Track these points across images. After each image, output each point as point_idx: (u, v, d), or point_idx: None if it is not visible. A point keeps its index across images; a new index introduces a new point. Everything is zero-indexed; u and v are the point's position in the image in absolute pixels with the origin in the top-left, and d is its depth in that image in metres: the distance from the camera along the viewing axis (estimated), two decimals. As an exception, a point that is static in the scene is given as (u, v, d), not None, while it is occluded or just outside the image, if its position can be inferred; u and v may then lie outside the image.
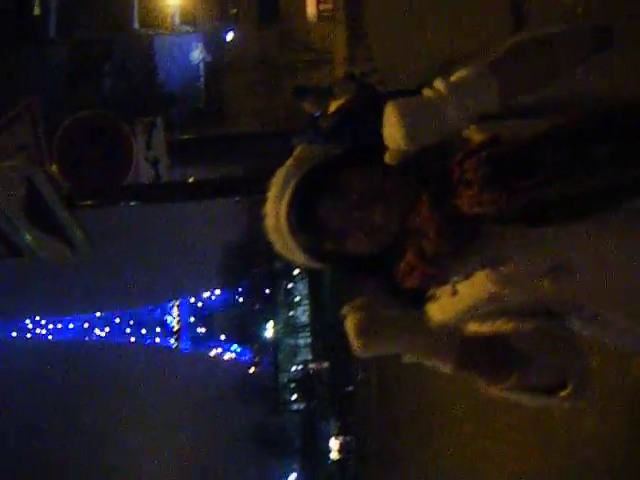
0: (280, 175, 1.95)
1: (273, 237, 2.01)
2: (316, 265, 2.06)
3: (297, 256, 2.01)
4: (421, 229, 1.78)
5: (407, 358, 1.93)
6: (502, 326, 1.91)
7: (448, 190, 1.73)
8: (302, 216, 1.91)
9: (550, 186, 1.62)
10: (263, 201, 2.05)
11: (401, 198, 1.83)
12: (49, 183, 3.44)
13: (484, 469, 12.36)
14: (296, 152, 1.97)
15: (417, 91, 1.83)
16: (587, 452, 7.60)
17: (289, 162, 1.95)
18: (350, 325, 2.04)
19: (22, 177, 3.48)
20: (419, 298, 1.95)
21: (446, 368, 1.90)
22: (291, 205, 1.91)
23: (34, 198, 3.58)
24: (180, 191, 5.76)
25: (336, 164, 1.91)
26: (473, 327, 1.96)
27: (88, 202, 4.11)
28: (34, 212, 3.68)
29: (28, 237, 3.68)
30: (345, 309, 2.08)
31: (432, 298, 1.94)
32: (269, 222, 1.99)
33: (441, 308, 1.93)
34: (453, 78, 1.79)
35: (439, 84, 1.79)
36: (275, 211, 1.95)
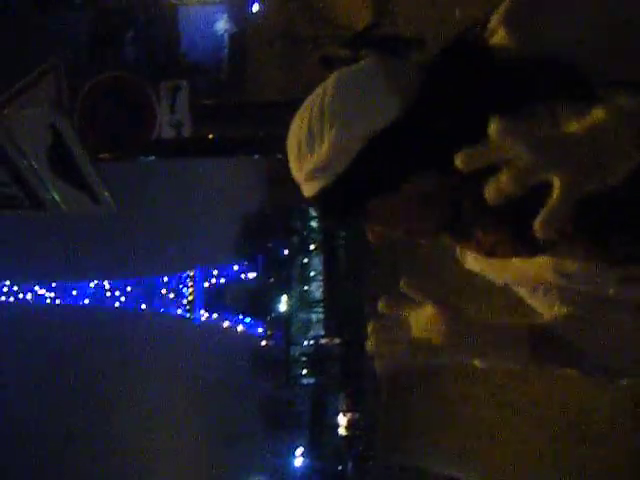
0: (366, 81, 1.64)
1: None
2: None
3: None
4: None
5: (477, 363, 1.78)
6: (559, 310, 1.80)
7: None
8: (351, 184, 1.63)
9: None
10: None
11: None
12: (75, 132, 3.38)
13: (496, 447, 12.37)
14: (385, 66, 1.66)
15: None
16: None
17: (382, 74, 1.63)
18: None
19: (48, 125, 3.42)
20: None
21: (518, 364, 1.78)
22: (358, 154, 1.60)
23: (59, 149, 3.53)
24: (200, 146, 5.66)
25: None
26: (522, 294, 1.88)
27: (109, 155, 4.05)
28: (59, 163, 3.64)
29: (53, 190, 3.64)
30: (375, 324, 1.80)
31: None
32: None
33: (480, 262, 1.82)
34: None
35: None
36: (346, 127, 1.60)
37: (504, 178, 1.25)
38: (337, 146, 1.62)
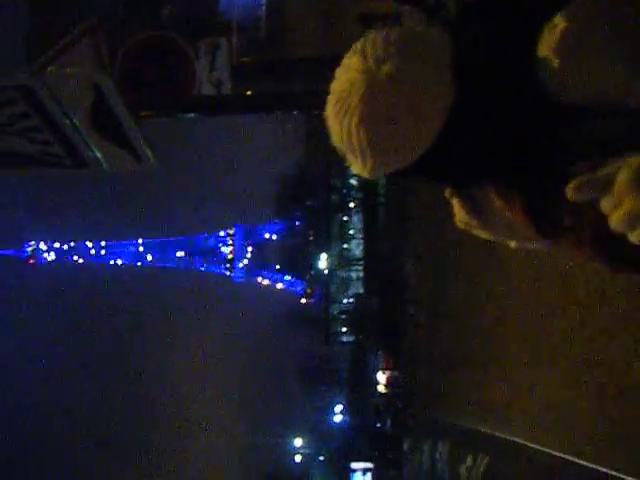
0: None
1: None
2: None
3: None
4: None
5: (513, 244, 1.84)
6: None
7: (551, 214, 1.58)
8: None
9: None
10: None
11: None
12: (117, 91, 3.40)
13: (534, 404, 12.37)
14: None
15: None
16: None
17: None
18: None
19: (91, 84, 3.44)
20: None
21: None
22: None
23: (101, 107, 3.55)
24: (238, 103, 5.66)
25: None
26: None
27: (149, 113, 4.09)
28: (101, 121, 3.65)
29: (95, 147, 3.67)
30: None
31: None
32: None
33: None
34: None
35: None
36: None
37: (615, 218, 1.33)
38: (377, 172, 1.57)
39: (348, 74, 1.52)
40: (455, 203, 1.79)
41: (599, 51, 1.46)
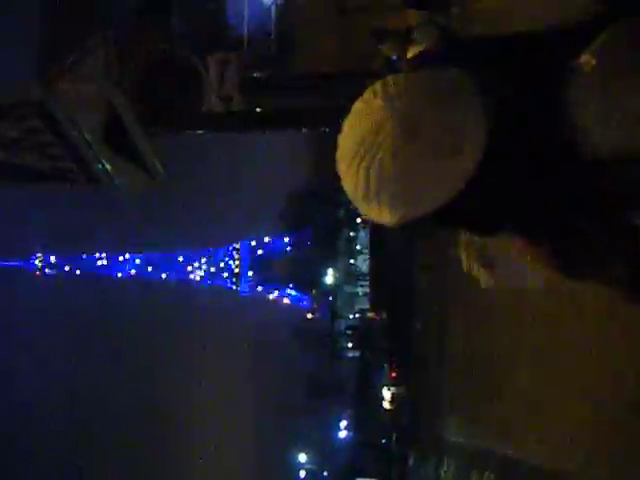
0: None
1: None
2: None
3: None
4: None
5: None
6: None
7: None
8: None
9: None
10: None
11: None
12: (128, 107, 3.41)
13: (540, 422, 12.29)
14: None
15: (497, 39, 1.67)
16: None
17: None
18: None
19: (103, 99, 3.46)
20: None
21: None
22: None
23: (113, 123, 3.57)
24: (247, 120, 5.69)
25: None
26: None
27: (158, 129, 4.11)
28: (113, 137, 3.68)
29: (105, 161, 3.68)
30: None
31: None
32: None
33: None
34: None
35: None
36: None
37: None
38: (407, 215, 1.50)
39: (371, 115, 1.42)
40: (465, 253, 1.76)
41: (630, 86, 1.45)
